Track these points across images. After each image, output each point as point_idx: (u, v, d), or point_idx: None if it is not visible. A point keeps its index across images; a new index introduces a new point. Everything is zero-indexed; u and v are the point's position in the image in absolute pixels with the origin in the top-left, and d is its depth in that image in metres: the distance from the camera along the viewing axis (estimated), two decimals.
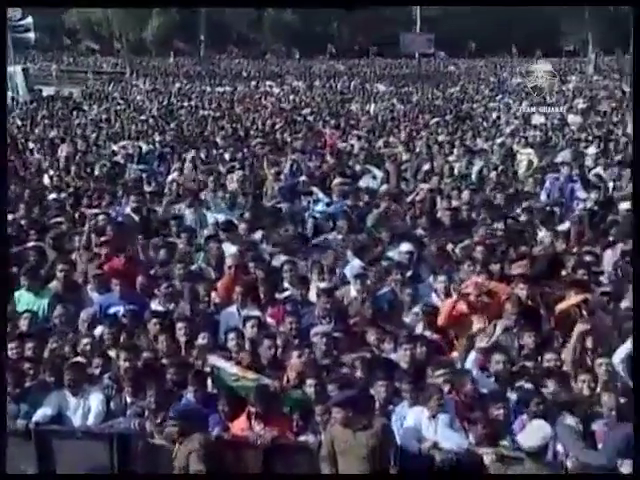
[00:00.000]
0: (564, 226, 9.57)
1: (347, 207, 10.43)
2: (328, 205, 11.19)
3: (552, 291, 7.50)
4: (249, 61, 44.53)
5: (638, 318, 6.20)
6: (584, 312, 6.94)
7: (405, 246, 8.81)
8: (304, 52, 45.50)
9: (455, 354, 7.18)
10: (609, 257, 8.80)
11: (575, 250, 8.91)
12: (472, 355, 6.84)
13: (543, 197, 11.68)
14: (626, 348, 6.50)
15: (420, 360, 6.92)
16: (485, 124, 22.27)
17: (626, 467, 5.73)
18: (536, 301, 7.30)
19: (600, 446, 5.92)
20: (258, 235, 9.44)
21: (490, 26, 43.68)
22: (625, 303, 7.44)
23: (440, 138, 18.88)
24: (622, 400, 6.00)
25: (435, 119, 22.95)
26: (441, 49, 42.13)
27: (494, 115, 23.95)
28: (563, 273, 8.16)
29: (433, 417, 6.23)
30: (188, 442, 5.89)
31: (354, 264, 8.50)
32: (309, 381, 6.57)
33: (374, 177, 13.47)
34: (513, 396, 6.49)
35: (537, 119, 22.34)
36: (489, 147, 17.04)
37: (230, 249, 8.71)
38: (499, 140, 17.95)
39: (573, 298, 7.11)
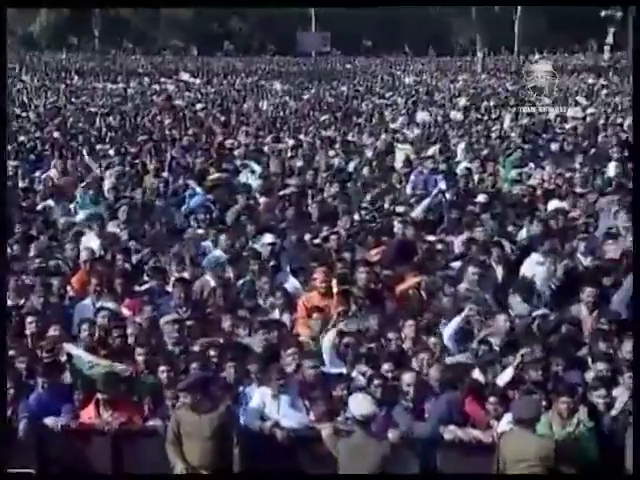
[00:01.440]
0: (415, 214, 10.12)
1: (209, 201, 10.69)
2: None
3: (393, 274, 7.97)
4: (145, 58, 44.01)
5: (638, 317, 6.36)
6: (422, 293, 7.43)
7: (267, 237, 9.15)
8: (202, 49, 45.36)
9: (305, 338, 7.52)
10: (459, 244, 9.35)
11: (429, 238, 9.45)
12: (326, 336, 7.17)
13: (408, 189, 12.22)
14: (453, 325, 7.00)
15: (273, 344, 7.23)
16: (373, 120, 22.91)
17: (448, 434, 6.20)
18: (378, 284, 7.75)
19: (427, 417, 6.38)
20: (123, 228, 9.54)
21: (385, 25, 44.64)
22: (464, 285, 7.99)
23: (326, 134, 19.39)
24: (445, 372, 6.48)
25: (325, 116, 23.50)
26: (337, 48, 42.88)
27: (382, 112, 24.60)
28: (414, 259, 8.63)
29: (276, 396, 6.55)
30: None
31: (214, 255, 8.74)
32: (161, 367, 6.78)
33: (253, 172, 13.76)
34: (358, 376, 6.87)
35: (421, 116, 23.17)
36: (372, 143, 17.60)
37: (91, 243, 8.78)
38: (383, 136, 18.56)
39: (410, 280, 7.60)
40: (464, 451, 6.23)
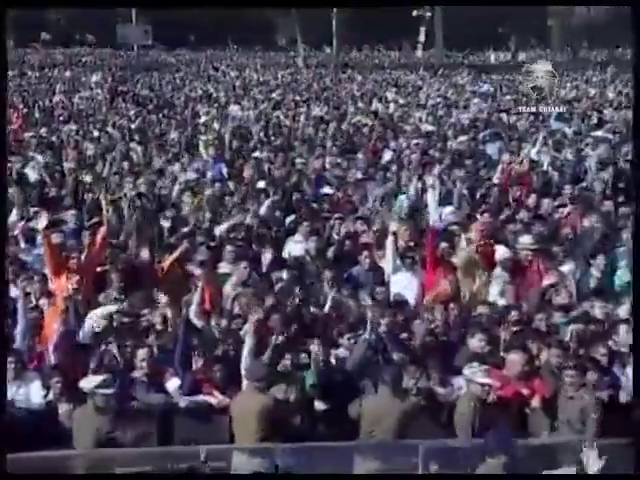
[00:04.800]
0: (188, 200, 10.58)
1: None
2: None
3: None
4: None
5: (638, 317, 6.44)
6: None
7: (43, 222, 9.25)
8: (17, 40, 43.38)
9: None
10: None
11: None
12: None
13: (192, 176, 12.58)
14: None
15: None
16: (186, 113, 23.02)
17: (183, 402, 6.61)
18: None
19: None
20: None
21: (209, 20, 44.64)
22: (223, 264, 8.54)
23: (134, 126, 19.37)
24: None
25: (136, 108, 23.36)
26: (160, 41, 42.44)
27: (194, 105, 24.76)
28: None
29: (14, 379, 6.66)
30: None
31: None
32: None
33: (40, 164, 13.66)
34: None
35: (235, 111, 23.55)
36: (177, 135, 17.77)
37: None
38: (189, 129, 18.80)
39: (175, 253, 8.09)
40: (199, 417, 6.64)
